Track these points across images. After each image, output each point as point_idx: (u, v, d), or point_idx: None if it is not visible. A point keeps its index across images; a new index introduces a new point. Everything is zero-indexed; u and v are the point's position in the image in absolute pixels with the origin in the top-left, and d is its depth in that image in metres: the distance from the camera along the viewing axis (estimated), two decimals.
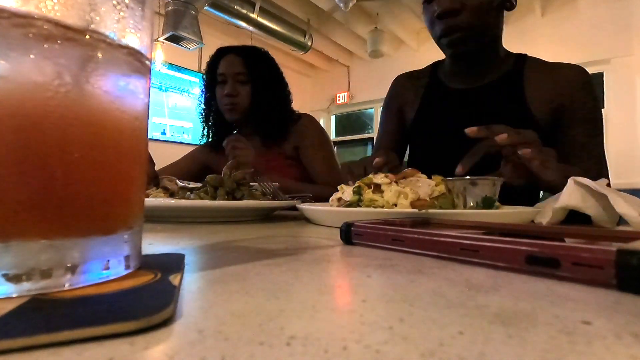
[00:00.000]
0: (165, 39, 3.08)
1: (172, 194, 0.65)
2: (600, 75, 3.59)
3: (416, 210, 0.43)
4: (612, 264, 0.17)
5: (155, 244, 0.31)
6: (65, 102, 0.15)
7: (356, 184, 0.52)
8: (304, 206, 0.53)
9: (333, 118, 5.61)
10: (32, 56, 0.14)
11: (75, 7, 0.15)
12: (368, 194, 0.50)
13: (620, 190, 0.44)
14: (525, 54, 0.82)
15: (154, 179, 0.70)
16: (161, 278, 0.17)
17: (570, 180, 0.45)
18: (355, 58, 5.01)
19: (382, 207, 0.48)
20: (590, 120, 0.74)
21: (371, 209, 0.46)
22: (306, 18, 3.91)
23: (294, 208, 0.59)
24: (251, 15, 3.45)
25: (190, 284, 0.18)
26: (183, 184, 0.67)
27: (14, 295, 0.14)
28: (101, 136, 0.16)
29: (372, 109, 5.16)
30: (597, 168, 0.73)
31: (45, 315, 0.12)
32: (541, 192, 0.84)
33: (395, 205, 0.48)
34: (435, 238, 0.25)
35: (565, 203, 0.44)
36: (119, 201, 0.18)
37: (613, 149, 3.49)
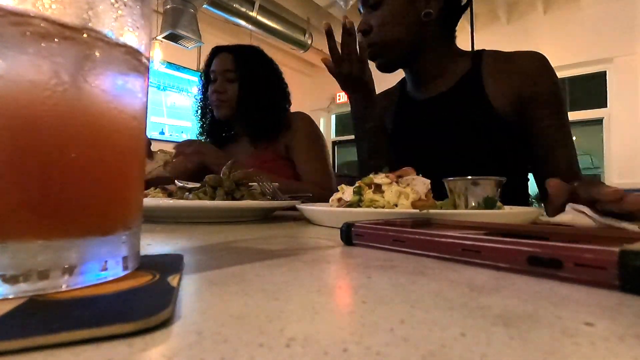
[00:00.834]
0: (164, 37, 3.08)
1: (170, 194, 0.65)
2: (603, 74, 3.59)
3: (417, 211, 0.43)
4: (615, 265, 0.17)
5: (153, 245, 0.31)
6: (62, 102, 0.15)
7: (356, 184, 0.52)
8: (304, 206, 0.53)
9: (333, 117, 5.60)
10: (28, 55, 0.14)
11: (73, 5, 0.15)
12: (368, 194, 0.50)
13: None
14: (483, 50, 0.82)
15: (148, 150, 0.70)
16: (160, 279, 0.17)
17: (568, 208, 0.44)
18: None
19: (383, 207, 0.48)
20: (555, 108, 0.74)
21: (372, 209, 0.46)
22: (306, 16, 3.91)
23: (294, 208, 0.59)
24: (250, 13, 3.45)
25: (189, 285, 0.18)
26: (181, 184, 0.67)
27: (10, 297, 0.14)
28: (99, 136, 0.16)
29: None
30: (569, 159, 0.74)
31: (42, 316, 0.12)
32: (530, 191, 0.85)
33: (396, 205, 0.48)
34: (436, 239, 0.25)
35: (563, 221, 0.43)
36: (117, 201, 0.18)
37: (616, 148, 3.49)
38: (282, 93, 1.16)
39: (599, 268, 0.17)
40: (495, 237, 0.22)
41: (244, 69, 1.09)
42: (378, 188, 0.50)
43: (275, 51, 3.72)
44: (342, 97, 5.29)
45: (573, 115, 3.64)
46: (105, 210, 0.17)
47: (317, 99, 5.38)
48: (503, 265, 0.21)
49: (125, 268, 0.18)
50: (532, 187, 0.81)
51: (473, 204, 0.50)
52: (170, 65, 3.69)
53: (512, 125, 0.75)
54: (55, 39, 0.15)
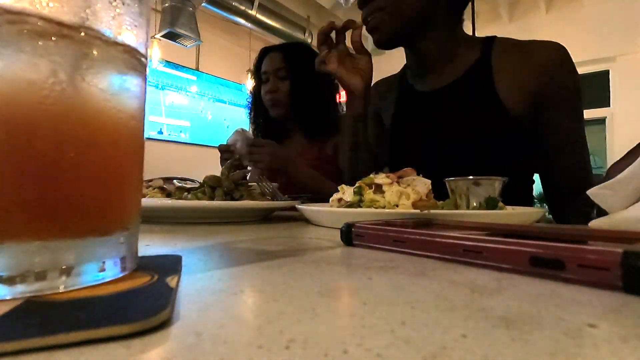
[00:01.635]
0: (162, 36, 3.08)
1: (169, 194, 0.65)
2: (606, 73, 3.59)
3: (418, 211, 0.43)
4: (618, 266, 0.17)
5: (152, 245, 0.31)
6: (60, 101, 0.15)
7: (357, 184, 0.52)
8: (304, 207, 0.53)
9: None
10: (26, 53, 0.14)
11: (70, 3, 0.15)
12: (369, 194, 0.50)
13: None
14: (494, 37, 0.76)
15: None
16: (158, 280, 0.17)
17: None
18: None
19: (384, 207, 0.48)
20: (572, 108, 0.70)
21: (372, 210, 0.46)
22: (306, 15, 3.91)
23: (294, 208, 0.59)
24: (250, 12, 3.45)
25: (188, 286, 0.18)
26: (180, 184, 0.67)
27: (7, 298, 0.14)
28: (97, 135, 0.16)
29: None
30: (579, 165, 0.72)
31: (39, 318, 0.12)
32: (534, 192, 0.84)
33: (397, 205, 0.48)
34: (437, 239, 0.25)
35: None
36: (115, 201, 0.18)
37: (619, 148, 3.49)
38: (332, 89, 1.18)
39: (602, 269, 0.17)
40: (497, 238, 0.22)
41: (295, 65, 1.12)
42: (379, 188, 0.50)
43: None
44: (342, 96, 5.29)
45: None
46: (103, 210, 0.17)
47: None
48: (505, 266, 0.21)
49: (123, 269, 0.18)
50: (537, 187, 0.81)
51: (475, 204, 0.50)
52: (168, 64, 3.69)
53: (521, 125, 0.70)
54: (53, 38, 0.15)
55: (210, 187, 0.59)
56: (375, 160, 0.81)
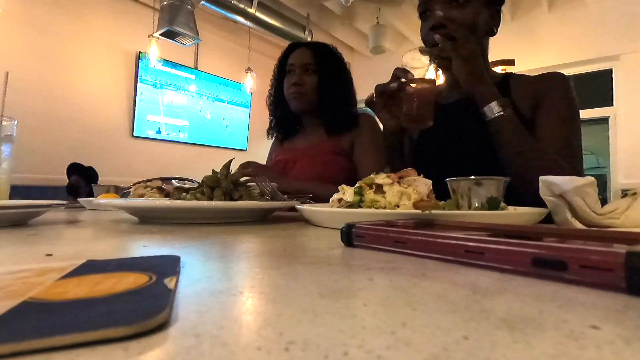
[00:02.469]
0: (161, 34, 3.08)
1: (167, 195, 0.65)
2: (609, 72, 3.59)
3: (419, 212, 0.43)
4: (622, 267, 0.17)
5: (150, 246, 0.31)
6: None
7: (357, 184, 0.52)
8: (304, 207, 0.53)
9: None
10: None
11: None
12: (369, 194, 0.50)
13: (629, 190, 0.44)
14: (511, 73, 0.88)
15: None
16: (156, 281, 0.17)
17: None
18: (356, 54, 5.00)
19: (384, 208, 0.48)
20: (564, 117, 0.76)
21: (373, 210, 0.46)
22: (305, 13, 3.90)
23: (294, 209, 0.59)
24: (249, 10, 3.45)
25: (186, 287, 0.18)
26: (179, 184, 0.67)
27: None
28: None
29: None
30: (570, 160, 0.74)
31: (36, 319, 0.12)
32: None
33: (398, 206, 0.48)
34: (439, 240, 0.25)
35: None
36: None
37: (622, 148, 3.49)
38: (352, 89, 1.25)
39: (605, 270, 0.17)
40: (499, 239, 0.22)
41: (323, 63, 1.19)
42: (379, 188, 0.50)
43: (275, 49, 3.72)
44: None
45: None
46: None
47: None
48: (507, 267, 0.21)
49: None
50: None
51: (476, 205, 0.50)
52: (167, 62, 3.68)
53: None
54: None
55: (209, 187, 0.59)
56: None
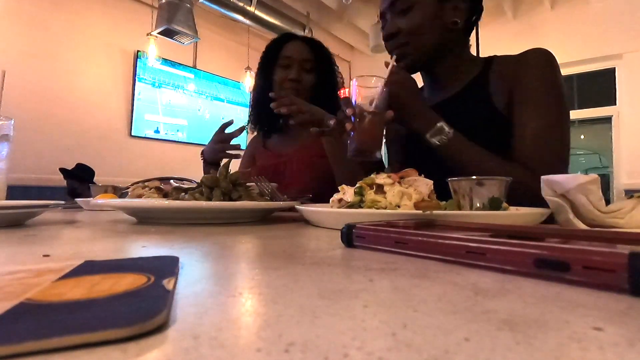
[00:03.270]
0: (159, 33, 3.08)
1: (165, 195, 0.65)
2: (612, 71, 3.59)
3: (420, 212, 0.43)
4: (625, 268, 0.17)
5: (148, 247, 0.31)
6: None
7: (358, 185, 0.52)
8: (304, 207, 0.53)
9: None
10: None
11: None
12: (370, 194, 0.50)
13: (633, 190, 0.44)
14: (494, 55, 0.84)
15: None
16: (154, 282, 0.17)
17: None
18: (356, 53, 5.00)
19: (385, 208, 0.48)
20: (542, 102, 0.70)
21: (373, 211, 0.46)
22: (305, 11, 3.90)
23: (293, 209, 0.59)
24: (248, 8, 3.45)
25: (185, 289, 0.18)
26: (177, 185, 0.67)
27: None
28: None
29: None
30: (548, 159, 0.68)
31: (33, 321, 0.12)
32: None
33: (399, 206, 0.48)
34: (440, 241, 0.25)
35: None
36: None
37: (625, 147, 3.49)
38: (337, 86, 1.22)
39: (608, 271, 0.17)
40: (501, 239, 0.22)
41: (322, 61, 1.15)
42: (380, 188, 0.50)
43: None
44: (343, 94, 5.30)
45: (581, 114, 3.63)
46: None
47: None
48: (509, 268, 0.21)
49: None
50: None
51: (478, 205, 0.50)
52: (165, 61, 3.68)
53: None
54: None
55: (208, 187, 0.59)
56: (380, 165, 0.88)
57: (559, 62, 0.75)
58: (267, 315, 0.14)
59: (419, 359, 0.10)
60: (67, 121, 2.95)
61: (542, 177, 0.45)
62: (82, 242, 0.36)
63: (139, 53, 3.42)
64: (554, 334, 0.12)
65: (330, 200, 0.56)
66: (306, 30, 3.91)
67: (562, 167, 0.70)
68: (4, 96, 0.69)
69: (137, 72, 3.43)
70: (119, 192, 1.07)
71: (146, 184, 0.90)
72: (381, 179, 0.51)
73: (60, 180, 2.53)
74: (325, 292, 0.17)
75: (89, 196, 1.13)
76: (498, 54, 0.84)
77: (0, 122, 0.62)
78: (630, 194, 0.43)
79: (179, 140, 3.83)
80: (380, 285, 0.19)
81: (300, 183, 1.07)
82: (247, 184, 0.65)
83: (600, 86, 3.65)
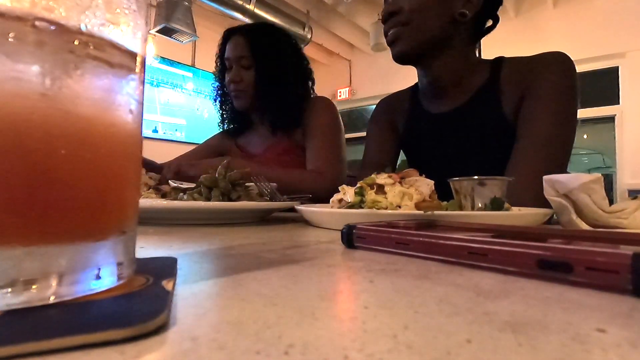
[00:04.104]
0: (157, 31, 3.08)
1: (164, 195, 0.65)
2: (615, 70, 3.59)
3: (421, 212, 0.43)
4: (628, 269, 0.17)
5: (146, 248, 0.31)
6: (51, 97, 0.15)
7: (358, 185, 0.52)
8: (304, 208, 0.53)
9: None
10: (18, 50, 0.14)
11: (66, 3, 0.15)
12: (371, 195, 0.50)
13: (636, 190, 0.45)
14: (502, 57, 0.79)
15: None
16: (154, 283, 0.17)
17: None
18: (357, 51, 5.01)
19: (386, 208, 0.48)
20: (555, 106, 0.67)
21: (374, 211, 0.46)
22: (305, 9, 3.91)
23: (293, 209, 0.59)
24: (247, 6, 3.45)
25: (184, 290, 0.18)
26: (176, 184, 0.67)
27: None
28: (90, 132, 0.16)
29: (375, 106, 5.17)
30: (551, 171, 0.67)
31: (32, 322, 0.12)
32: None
33: (399, 206, 0.48)
34: (441, 241, 0.25)
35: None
36: (110, 202, 0.17)
37: (628, 147, 3.49)
38: (302, 75, 1.12)
39: (611, 272, 0.17)
40: (503, 240, 0.22)
41: (259, 52, 1.05)
42: (380, 189, 0.50)
43: None
44: (343, 94, 5.30)
45: (584, 113, 3.64)
46: (98, 212, 0.17)
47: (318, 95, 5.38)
48: (511, 269, 0.21)
49: (120, 276, 0.17)
50: None
51: (480, 205, 0.50)
52: (163, 60, 3.69)
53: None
54: (46, 37, 0.15)
55: (207, 187, 0.59)
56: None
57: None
58: (266, 316, 0.14)
59: None
60: None
61: (544, 177, 0.45)
62: None
63: None
64: (556, 336, 0.12)
65: (331, 200, 0.56)
66: (306, 29, 3.91)
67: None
68: None
69: None
70: None
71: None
72: (382, 179, 0.51)
73: None
74: (326, 293, 0.17)
75: None
76: (505, 55, 0.80)
77: None
78: (633, 194, 0.44)
79: (178, 140, 3.83)
80: (380, 286, 0.19)
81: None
82: (247, 184, 0.65)
83: (603, 85, 3.65)
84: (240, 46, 1.06)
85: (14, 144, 0.14)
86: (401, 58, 0.78)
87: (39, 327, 0.12)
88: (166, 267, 0.21)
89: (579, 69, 0.71)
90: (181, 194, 0.60)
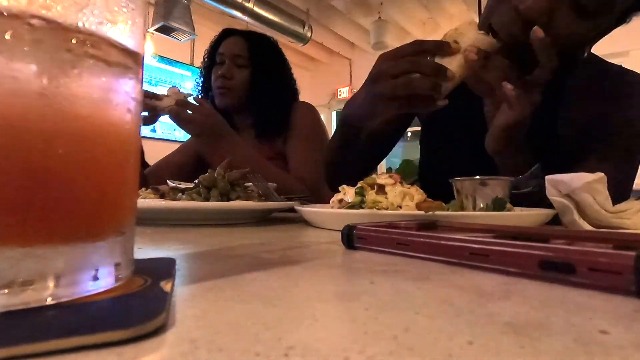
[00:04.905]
0: (156, 29, 3.08)
1: (162, 195, 0.65)
2: None
3: (422, 213, 0.43)
4: (631, 270, 0.17)
5: (144, 248, 0.31)
6: (49, 97, 0.15)
7: (358, 185, 0.52)
8: (304, 208, 0.53)
9: (334, 114, 5.60)
10: (15, 49, 0.14)
11: (63, 1, 0.15)
12: (371, 195, 0.50)
13: None
14: (591, 56, 0.73)
15: (143, 182, 0.69)
16: (152, 284, 0.17)
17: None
18: (357, 50, 5.01)
19: (386, 209, 0.48)
20: (618, 143, 0.65)
21: (374, 211, 0.46)
22: (305, 7, 3.91)
23: (293, 210, 0.59)
24: (246, 4, 3.45)
25: (182, 291, 0.18)
26: (174, 184, 0.67)
27: None
28: (88, 130, 0.16)
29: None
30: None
31: (29, 323, 0.12)
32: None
33: (400, 207, 0.48)
34: (442, 242, 0.25)
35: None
36: (109, 203, 0.17)
37: None
38: (291, 88, 1.15)
39: (614, 273, 0.17)
40: (505, 241, 0.22)
41: (257, 56, 1.08)
42: (381, 189, 0.50)
43: None
44: (343, 93, 5.30)
45: None
46: (96, 212, 0.17)
47: (317, 94, 5.39)
48: (513, 270, 0.21)
49: (118, 278, 0.17)
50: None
51: (481, 206, 0.50)
52: (162, 59, 3.69)
53: (568, 151, 0.68)
54: (45, 36, 0.15)
55: (206, 187, 0.59)
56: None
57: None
58: (266, 318, 0.14)
59: None
60: None
61: (547, 177, 0.45)
62: None
63: None
64: (559, 338, 0.12)
65: (331, 200, 0.56)
66: (306, 27, 3.91)
67: None
68: None
69: None
70: None
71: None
72: (382, 179, 0.51)
73: None
74: (326, 295, 0.17)
75: None
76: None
77: None
78: (636, 195, 0.43)
79: (176, 140, 3.82)
80: (381, 288, 0.19)
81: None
82: (246, 184, 0.65)
83: None
84: (239, 45, 1.08)
85: (10, 143, 0.14)
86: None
87: (36, 328, 0.12)
88: (164, 268, 0.21)
89: None
90: (180, 194, 0.60)
